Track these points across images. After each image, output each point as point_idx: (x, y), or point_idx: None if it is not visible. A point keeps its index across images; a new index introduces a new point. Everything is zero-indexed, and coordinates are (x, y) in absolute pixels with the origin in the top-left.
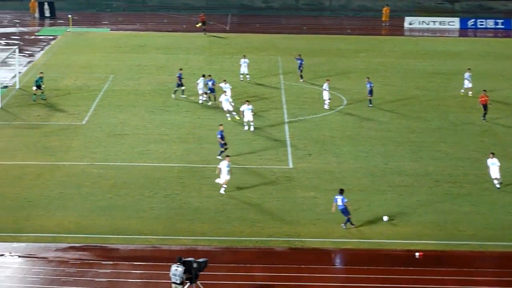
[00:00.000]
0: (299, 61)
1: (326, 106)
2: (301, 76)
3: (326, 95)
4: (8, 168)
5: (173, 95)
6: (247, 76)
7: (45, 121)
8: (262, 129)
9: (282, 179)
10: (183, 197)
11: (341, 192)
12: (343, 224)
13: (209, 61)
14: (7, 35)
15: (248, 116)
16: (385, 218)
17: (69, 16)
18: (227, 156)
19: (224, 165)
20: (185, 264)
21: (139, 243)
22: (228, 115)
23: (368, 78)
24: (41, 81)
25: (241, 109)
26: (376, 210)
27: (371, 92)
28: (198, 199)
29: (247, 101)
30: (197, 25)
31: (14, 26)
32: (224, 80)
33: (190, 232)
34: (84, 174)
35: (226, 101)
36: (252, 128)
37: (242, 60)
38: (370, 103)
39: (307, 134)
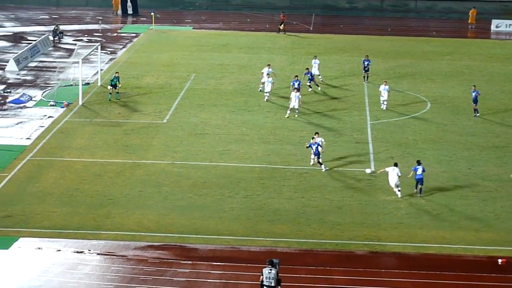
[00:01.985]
0: (366, 62)
1: (381, 106)
2: (365, 78)
3: (385, 95)
4: (88, 165)
5: (309, 89)
6: (319, 77)
7: (126, 119)
8: (344, 131)
9: (363, 181)
10: (263, 198)
11: (420, 163)
12: (418, 193)
13: (292, 62)
14: (89, 32)
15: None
16: (368, 170)
17: (152, 13)
18: (395, 164)
19: (390, 170)
20: (275, 266)
21: (218, 243)
22: (289, 111)
23: (474, 86)
24: (117, 81)
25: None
26: (458, 215)
27: (475, 100)
28: (278, 200)
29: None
30: (281, 27)
31: (96, 23)
32: (268, 74)
33: (269, 233)
34: (164, 173)
35: (296, 98)
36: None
37: (313, 61)
38: (476, 112)
39: (390, 137)
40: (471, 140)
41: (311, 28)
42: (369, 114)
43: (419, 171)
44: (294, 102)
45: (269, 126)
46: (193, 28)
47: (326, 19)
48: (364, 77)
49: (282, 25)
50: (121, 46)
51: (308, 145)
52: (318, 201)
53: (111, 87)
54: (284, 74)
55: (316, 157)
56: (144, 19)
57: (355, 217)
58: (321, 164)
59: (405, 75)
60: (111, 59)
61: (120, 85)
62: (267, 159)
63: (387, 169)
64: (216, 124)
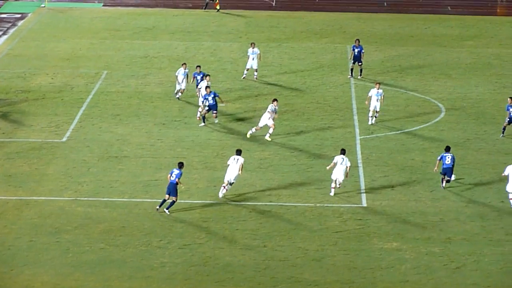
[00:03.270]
0: (357, 50)
1: (370, 121)
2: (359, 72)
3: (373, 105)
4: None
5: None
6: (255, 73)
7: (8, 137)
8: (322, 150)
9: (351, 223)
10: (208, 249)
11: (449, 149)
12: (442, 185)
13: (246, 51)
14: None
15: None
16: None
17: None
18: (343, 151)
19: (339, 160)
20: None
21: None
22: (253, 130)
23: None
24: None
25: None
26: (487, 268)
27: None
28: (230, 251)
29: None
30: (216, 5)
31: None
32: (207, 76)
33: None
34: (64, 215)
35: (271, 113)
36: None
37: (251, 50)
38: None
39: (389, 158)
40: (504, 160)
41: (273, 4)
42: (359, 125)
43: (448, 160)
44: (266, 120)
45: (214, 145)
46: (103, 5)
47: None
48: (351, 70)
49: (216, 0)
50: (0, 32)
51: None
52: (287, 251)
53: None
54: (235, 70)
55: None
56: None
57: (341, 274)
58: (162, 206)
59: (409, 69)
60: None
61: None
62: (212, 192)
63: (335, 159)
64: (138, 142)
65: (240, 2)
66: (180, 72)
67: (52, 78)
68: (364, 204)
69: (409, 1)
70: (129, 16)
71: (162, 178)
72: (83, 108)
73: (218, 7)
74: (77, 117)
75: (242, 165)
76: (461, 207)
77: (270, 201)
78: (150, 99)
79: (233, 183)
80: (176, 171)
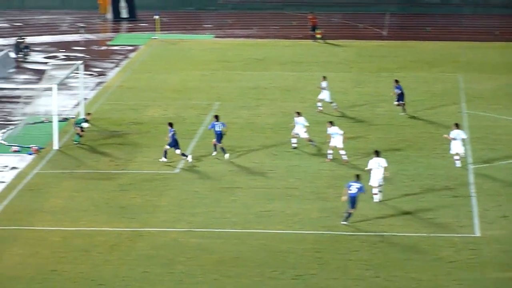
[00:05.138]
0: (398, 90)
1: None
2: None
3: None
4: (69, 236)
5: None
6: (333, 104)
7: (122, 169)
8: (435, 179)
9: (464, 252)
10: (321, 279)
11: None
12: None
13: (357, 81)
14: (67, 45)
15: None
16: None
17: (156, 17)
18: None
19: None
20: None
21: None
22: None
23: None
24: (85, 122)
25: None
26: None
27: None
28: (343, 282)
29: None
30: (316, 34)
31: (77, 32)
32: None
33: None
34: (177, 246)
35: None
36: None
37: (322, 84)
38: None
39: (503, 188)
40: None
41: (384, 33)
42: (472, 154)
43: None
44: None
45: (327, 176)
46: (215, 37)
47: (406, 19)
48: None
49: (316, 30)
50: (112, 65)
51: None
52: (400, 281)
53: (81, 129)
54: (346, 100)
55: None
56: (145, 25)
57: None
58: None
59: None
60: (99, 84)
61: (88, 125)
62: (325, 223)
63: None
64: (251, 173)
65: (350, 33)
66: (299, 121)
67: (164, 110)
68: (478, 233)
69: None
70: (240, 47)
71: (275, 209)
72: (195, 139)
73: (318, 36)
74: (190, 148)
75: (385, 167)
76: None
77: (383, 231)
78: (261, 130)
79: (382, 185)
80: (356, 185)
